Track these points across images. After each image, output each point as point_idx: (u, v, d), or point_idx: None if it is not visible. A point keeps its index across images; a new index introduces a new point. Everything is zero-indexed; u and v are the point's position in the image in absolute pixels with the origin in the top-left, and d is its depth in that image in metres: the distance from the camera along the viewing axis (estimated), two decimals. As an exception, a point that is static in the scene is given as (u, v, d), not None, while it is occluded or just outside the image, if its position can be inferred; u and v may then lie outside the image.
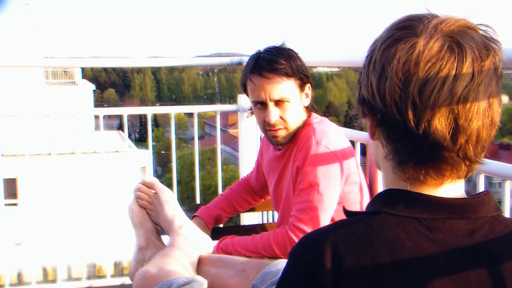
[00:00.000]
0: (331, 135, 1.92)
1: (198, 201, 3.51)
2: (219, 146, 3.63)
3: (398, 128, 0.88)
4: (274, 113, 1.91)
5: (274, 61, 1.87)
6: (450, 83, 0.84)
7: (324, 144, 1.88)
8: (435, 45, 0.86)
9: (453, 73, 0.84)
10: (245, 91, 1.99)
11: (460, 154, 0.87)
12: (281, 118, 1.92)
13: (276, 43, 1.98)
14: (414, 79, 0.85)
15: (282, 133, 1.95)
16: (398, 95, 0.86)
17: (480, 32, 0.89)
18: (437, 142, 0.85)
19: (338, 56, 2.87)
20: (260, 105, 1.93)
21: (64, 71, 21.99)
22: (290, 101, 1.91)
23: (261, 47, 1.98)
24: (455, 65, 0.85)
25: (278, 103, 1.90)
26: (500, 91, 0.89)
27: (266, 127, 1.96)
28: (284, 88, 1.89)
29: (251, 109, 2.06)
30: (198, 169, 3.68)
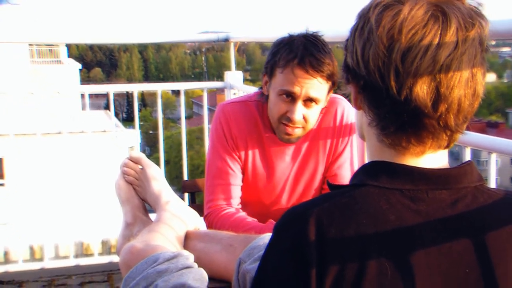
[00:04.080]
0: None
1: (185, 178, 3.51)
2: (206, 124, 3.62)
3: (380, 95, 0.88)
4: (300, 111, 1.81)
5: (323, 62, 1.76)
6: (433, 51, 0.84)
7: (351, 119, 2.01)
8: (419, 12, 0.86)
9: (436, 41, 0.84)
10: (270, 73, 1.85)
11: (440, 122, 0.87)
12: (303, 117, 1.84)
13: (307, 30, 1.87)
14: (397, 45, 0.85)
15: (298, 132, 1.87)
16: (381, 61, 0.86)
17: (467, 4, 0.89)
18: (418, 108, 0.86)
19: (327, 32, 2.85)
20: (286, 97, 1.81)
21: (49, 50, 21.72)
22: (318, 103, 1.83)
23: (298, 30, 1.86)
24: (439, 32, 0.85)
25: (306, 101, 1.81)
26: (485, 64, 0.89)
27: (283, 120, 1.84)
28: (320, 89, 1.80)
29: (265, 94, 1.92)
30: (185, 147, 3.67)
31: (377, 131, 0.93)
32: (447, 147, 0.92)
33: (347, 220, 0.86)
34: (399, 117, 0.88)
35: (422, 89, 0.85)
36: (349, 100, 2.04)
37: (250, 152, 1.97)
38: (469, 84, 0.87)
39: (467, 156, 1.76)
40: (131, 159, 1.76)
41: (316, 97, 1.80)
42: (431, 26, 0.85)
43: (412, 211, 0.87)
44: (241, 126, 1.96)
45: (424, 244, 0.86)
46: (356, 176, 0.95)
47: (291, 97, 1.81)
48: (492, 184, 1.72)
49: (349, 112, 2.00)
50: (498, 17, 1.39)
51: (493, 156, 1.70)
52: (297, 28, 1.89)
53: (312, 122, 1.88)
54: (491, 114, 54.61)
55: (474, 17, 0.87)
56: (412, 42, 0.85)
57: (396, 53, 0.85)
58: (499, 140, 1.67)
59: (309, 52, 1.76)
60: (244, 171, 1.99)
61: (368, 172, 0.92)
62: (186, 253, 1.35)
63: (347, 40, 0.96)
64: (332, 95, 1.98)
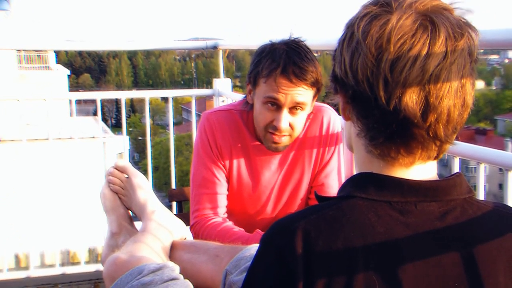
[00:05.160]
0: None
1: (173, 187, 3.49)
2: (194, 130, 3.60)
3: (369, 105, 0.87)
4: (286, 119, 1.80)
5: (306, 70, 1.75)
6: (421, 61, 0.83)
7: (337, 128, 2.01)
8: (407, 22, 0.85)
9: (425, 50, 0.84)
10: (253, 83, 1.84)
11: (430, 133, 0.86)
12: (290, 125, 1.82)
13: (290, 35, 1.84)
14: (385, 55, 0.84)
15: (285, 140, 1.85)
16: (370, 71, 0.85)
17: (456, 14, 0.88)
18: (407, 118, 0.85)
19: (316, 40, 2.85)
20: (271, 105, 1.79)
21: (37, 55, 21.61)
22: (304, 108, 1.82)
23: (276, 38, 1.85)
24: (428, 42, 0.84)
25: (291, 109, 1.80)
26: (474, 74, 0.88)
27: (270, 129, 1.83)
28: (305, 96, 1.79)
29: (250, 103, 1.90)
30: (173, 154, 3.66)
31: (366, 141, 0.91)
32: (436, 157, 0.92)
33: (334, 233, 0.84)
34: (388, 127, 0.86)
35: (411, 99, 0.84)
36: (337, 110, 2.03)
37: (235, 161, 1.95)
38: (459, 94, 0.86)
39: (456, 166, 1.75)
40: (117, 168, 1.75)
41: (301, 103, 1.79)
42: (420, 35, 0.84)
43: (401, 223, 0.86)
44: (226, 135, 1.94)
45: (412, 257, 0.85)
46: (344, 188, 0.93)
47: (276, 105, 1.79)
48: (481, 193, 1.72)
49: (335, 120, 1.99)
50: (487, 26, 1.39)
51: (482, 167, 1.70)
52: (283, 34, 1.88)
53: (299, 129, 1.87)
54: (480, 121, 55.11)
55: (463, 27, 0.87)
56: (400, 52, 0.84)
57: (384, 63, 0.84)
58: (488, 151, 1.67)
59: (292, 61, 1.75)
60: (229, 180, 1.97)
61: (356, 184, 0.91)
62: (171, 264, 1.34)
63: (335, 50, 0.95)
64: (319, 103, 1.97)
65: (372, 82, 0.85)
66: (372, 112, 0.87)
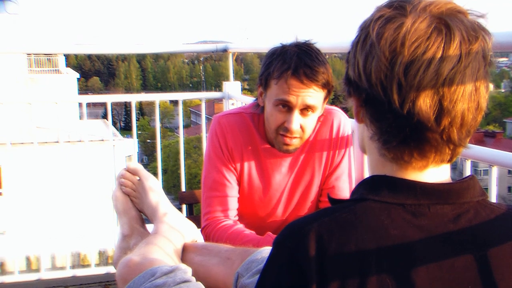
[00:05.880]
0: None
1: (183, 189, 3.50)
2: (204, 133, 3.61)
3: (382, 108, 0.87)
4: (297, 120, 1.81)
5: (317, 71, 1.75)
6: (436, 64, 0.83)
7: (347, 130, 2.02)
8: (422, 25, 0.85)
9: (440, 54, 0.83)
10: (265, 85, 1.84)
11: (444, 136, 0.86)
12: (300, 126, 1.83)
13: (301, 38, 1.85)
14: (400, 58, 0.84)
15: (296, 142, 1.86)
16: (384, 74, 0.85)
17: (470, 17, 0.88)
18: (421, 122, 0.85)
19: (324, 43, 2.84)
20: (282, 107, 1.80)
21: (47, 59, 21.76)
22: (315, 111, 1.82)
23: (287, 40, 1.85)
24: (442, 46, 0.84)
25: (302, 110, 1.81)
26: (488, 77, 0.88)
27: (281, 131, 1.84)
28: (316, 97, 1.79)
29: (260, 105, 1.92)
30: (183, 157, 3.67)
31: (379, 145, 0.91)
32: (449, 161, 0.91)
33: (347, 235, 0.84)
34: (402, 131, 0.86)
35: (425, 103, 0.84)
36: (347, 113, 2.03)
37: (246, 164, 1.96)
38: (473, 97, 0.85)
39: (468, 168, 1.75)
40: (129, 170, 1.75)
41: (312, 106, 1.80)
42: (434, 39, 0.84)
43: (414, 226, 0.86)
44: (237, 138, 1.95)
45: (425, 259, 0.85)
46: (357, 190, 0.93)
47: (288, 107, 1.80)
48: (493, 196, 1.71)
49: (345, 123, 2.00)
50: (496, 28, 1.38)
51: (494, 169, 1.69)
52: (292, 37, 1.88)
53: (309, 131, 1.88)
54: (489, 123, 54.81)
55: (477, 30, 0.86)
56: (415, 55, 0.83)
57: (398, 66, 0.84)
58: (501, 153, 1.66)
59: (303, 62, 1.76)
60: (240, 183, 1.98)
61: (369, 187, 0.91)
62: (184, 266, 1.34)
63: (349, 52, 0.94)
64: (329, 106, 1.97)
65: (385, 86, 0.85)
66: (385, 116, 0.87)
